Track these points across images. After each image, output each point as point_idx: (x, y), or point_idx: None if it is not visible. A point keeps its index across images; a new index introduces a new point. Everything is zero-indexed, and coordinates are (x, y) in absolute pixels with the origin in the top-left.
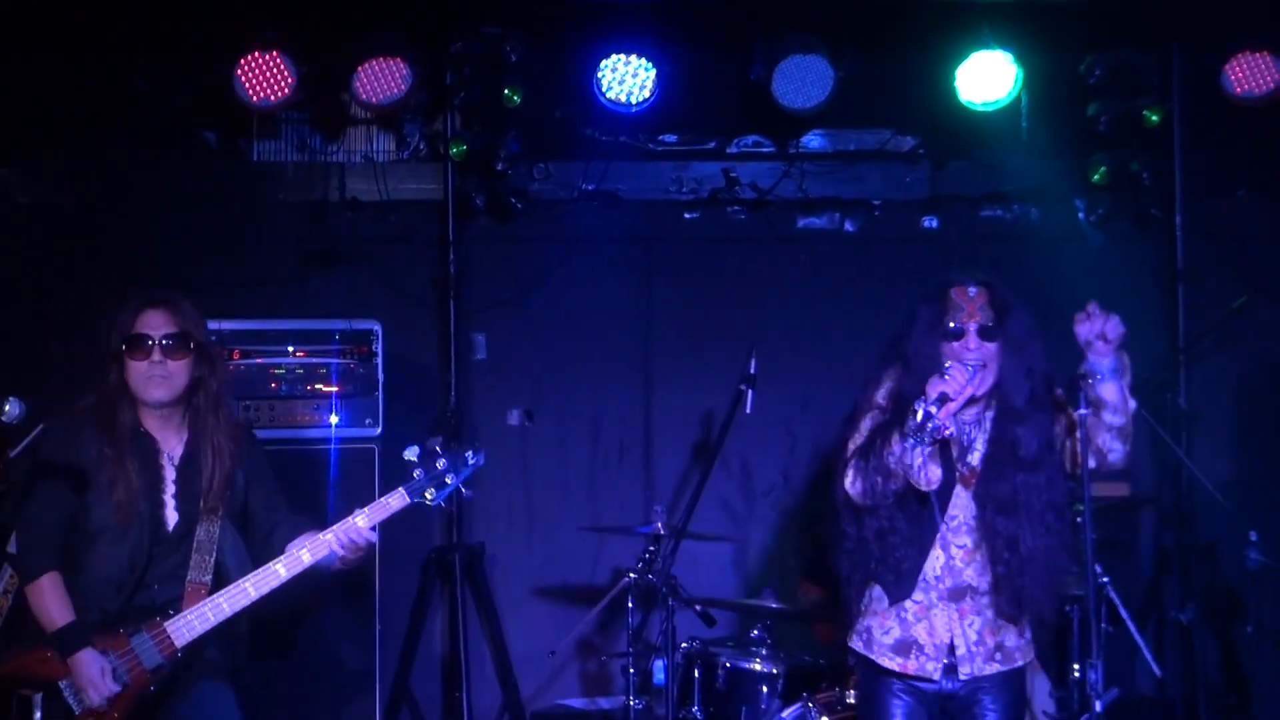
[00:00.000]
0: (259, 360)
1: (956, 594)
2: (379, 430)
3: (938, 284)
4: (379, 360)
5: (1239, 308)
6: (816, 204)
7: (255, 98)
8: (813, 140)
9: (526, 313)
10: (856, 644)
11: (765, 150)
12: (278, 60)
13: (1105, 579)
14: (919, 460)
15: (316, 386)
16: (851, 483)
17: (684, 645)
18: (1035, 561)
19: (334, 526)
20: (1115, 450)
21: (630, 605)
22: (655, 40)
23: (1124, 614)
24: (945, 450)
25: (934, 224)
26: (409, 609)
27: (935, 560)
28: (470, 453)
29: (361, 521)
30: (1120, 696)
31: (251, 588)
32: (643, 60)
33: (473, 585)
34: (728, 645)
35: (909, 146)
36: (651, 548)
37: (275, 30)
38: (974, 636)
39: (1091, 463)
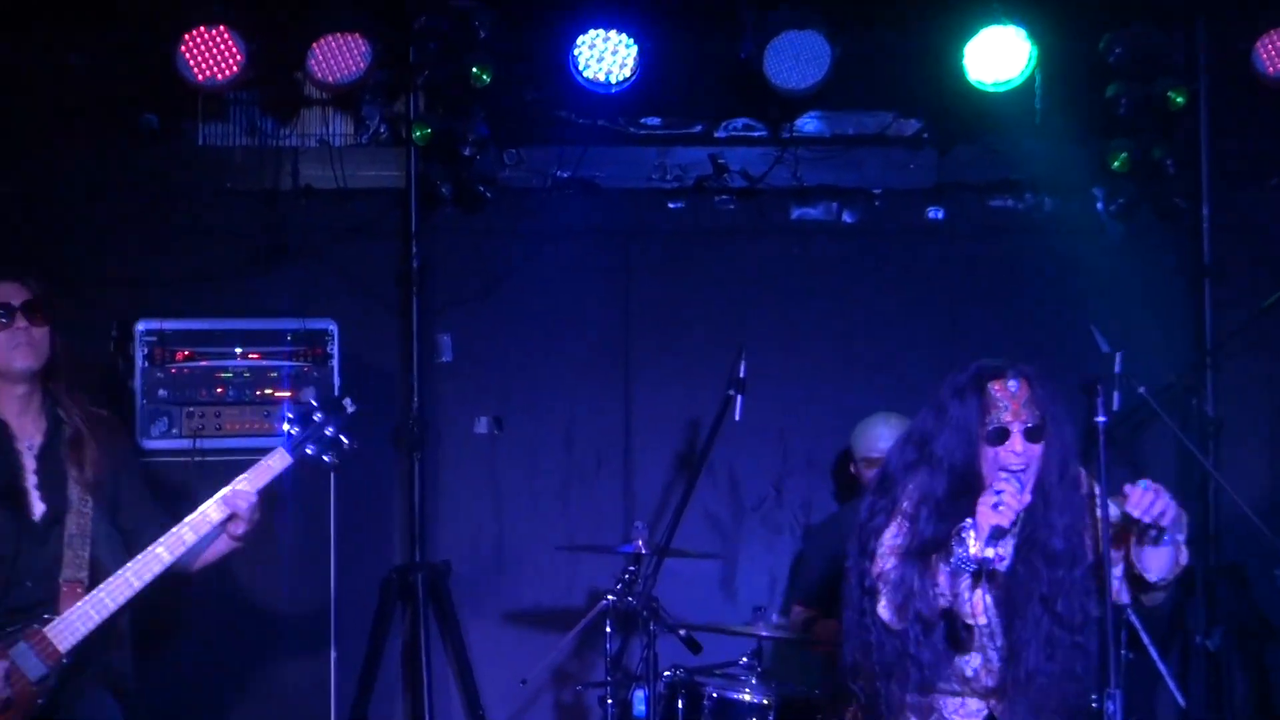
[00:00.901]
0: (204, 363)
1: (983, 694)
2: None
3: (970, 375)
4: (335, 363)
5: (1270, 305)
6: (812, 193)
7: (201, 76)
8: (808, 123)
9: (496, 311)
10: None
11: (756, 134)
12: (225, 36)
13: (1125, 601)
14: (967, 593)
15: (267, 391)
16: (888, 612)
17: (666, 674)
18: (1052, 665)
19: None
20: (1154, 599)
21: (608, 630)
22: (637, 14)
23: (1145, 639)
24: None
25: (939, 215)
26: (367, 632)
27: (972, 663)
28: (348, 400)
29: (243, 485)
30: None
31: (133, 577)
32: (623, 36)
33: (437, 607)
34: (714, 673)
35: (913, 130)
36: (631, 567)
37: (222, 3)
38: None
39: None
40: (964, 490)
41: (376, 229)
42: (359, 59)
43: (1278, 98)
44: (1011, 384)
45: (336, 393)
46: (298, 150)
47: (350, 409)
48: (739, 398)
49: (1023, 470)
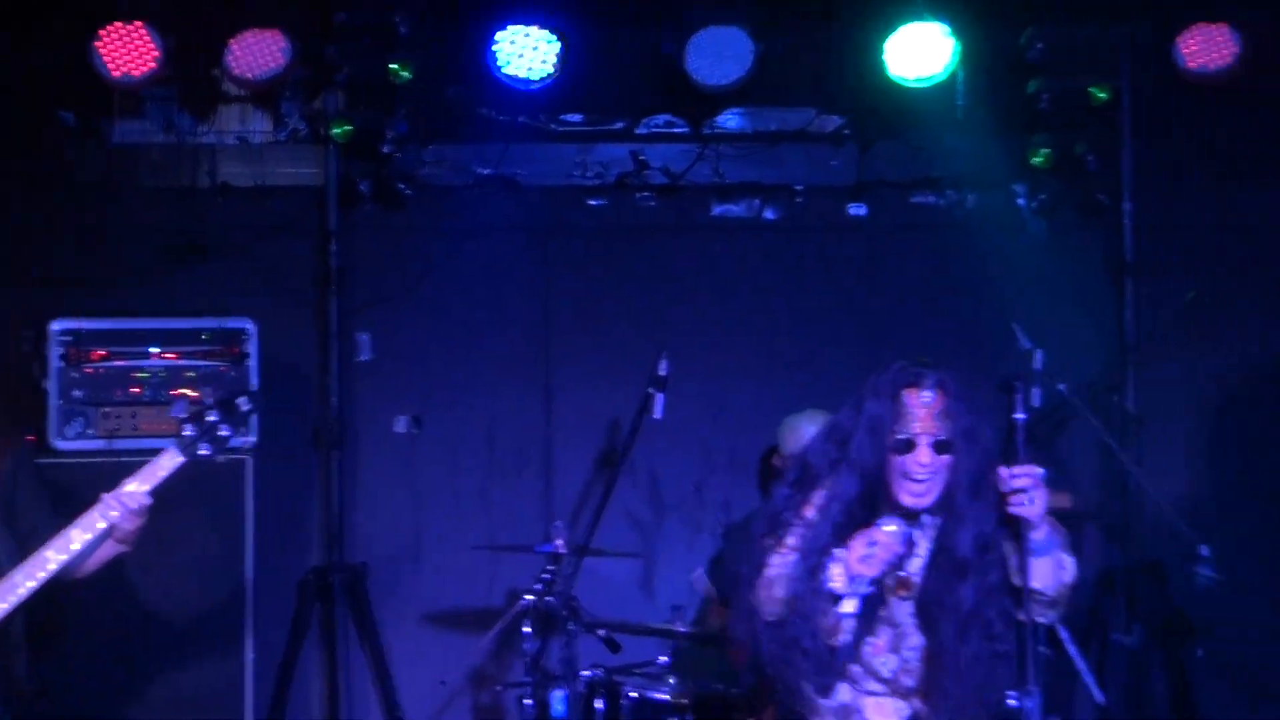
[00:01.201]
0: (120, 363)
1: (912, 692)
2: (253, 440)
3: (888, 380)
4: (252, 362)
5: (1191, 302)
6: (733, 189)
7: (117, 72)
8: (730, 120)
9: (416, 310)
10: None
11: (678, 131)
12: (142, 31)
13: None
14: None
15: (183, 391)
16: (762, 596)
17: (586, 673)
18: (973, 671)
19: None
20: (1046, 617)
21: (527, 630)
22: (558, 11)
23: (1064, 636)
24: None
25: (861, 211)
26: (284, 635)
27: (889, 664)
28: (242, 399)
29: (132, 486)
30: None
31: (21, 581)
32: (544, 32)
33: (354, 609)
34: (633, 673)
35: (834, 127)
36: (551, 567)
37: None
38: None
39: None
40: (871, 495)
41: (295, 227)
42: (278, 55)
43: (1199, 93)
44: (926, 394)
45: (252, 391)
46: (215, 148)
47: (244, 408)
48: (660, 396)
49: (928, 489)
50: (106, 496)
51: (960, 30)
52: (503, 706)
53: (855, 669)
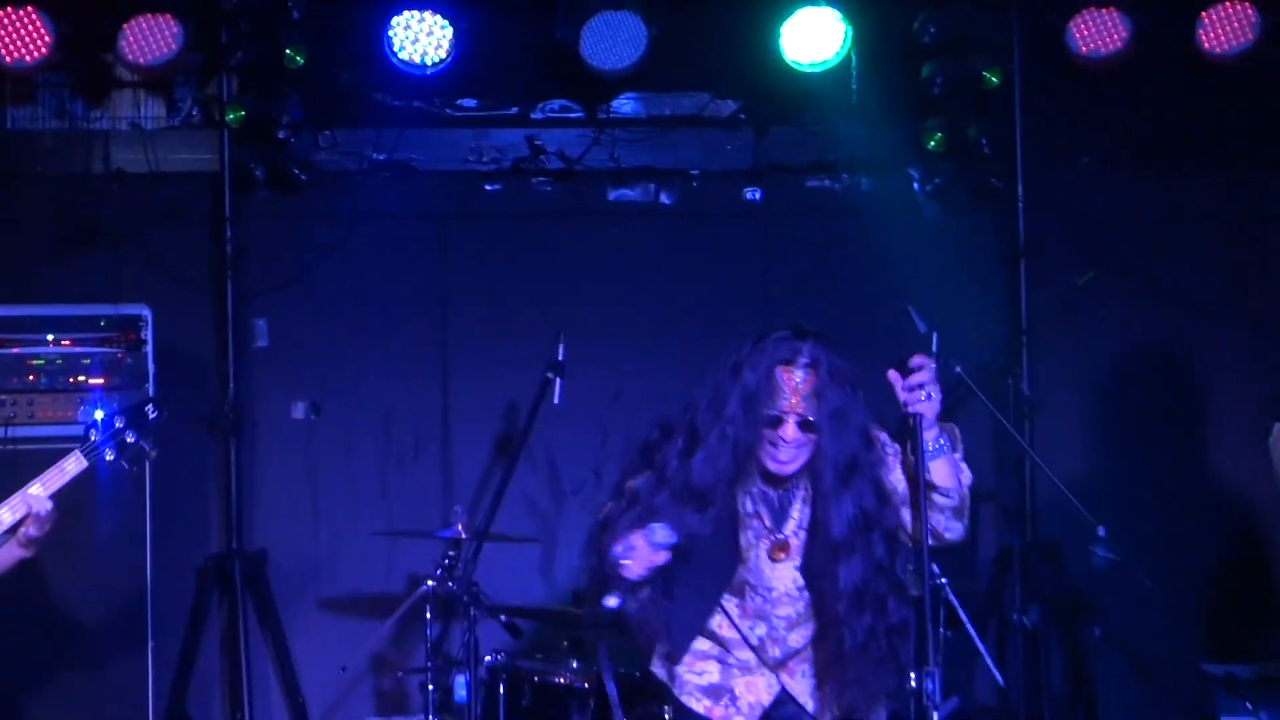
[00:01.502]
0: (14, 350)
1: (779, 664)
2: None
3: (766, 353)
4: (149, 349)
5: (1085, 285)
6: (629, 174)
7: (8, 58)
8: (625, 105)
9: (312, 296)
10: (659, 670)
11: (573, 116)
12: (33, 17)
13: (942, 580)
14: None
15: (79, 379)
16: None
17: (487, 659)
18: (856, 645)
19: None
20: (954, 529)
21: (428, 616)
22: None
23: (963, 617)
24: (759, 520)
25: (757, 196)
26: (185, 623)
27: (753, 630)
28: (150, 407)
29: (37, 490)
30: (960, 707)
31: None
32: (438, 17)
33: (254, 596)
34: (536, 658)
35: (729, 112)
36: (451, 552)
37: None
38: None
39: (929, 541)
40: (735, 459)
41: (190, 213)
42: (170, 40)
43: (1091, 77)
44: (799, 374)
45: (155, 399)
46: (109, 133)
47: (152, 415)
48: (558, 381)
49: (793, 458)
50: (9, 501)
51: (854, 15)
52: (405, 693)
53: (716, 639)
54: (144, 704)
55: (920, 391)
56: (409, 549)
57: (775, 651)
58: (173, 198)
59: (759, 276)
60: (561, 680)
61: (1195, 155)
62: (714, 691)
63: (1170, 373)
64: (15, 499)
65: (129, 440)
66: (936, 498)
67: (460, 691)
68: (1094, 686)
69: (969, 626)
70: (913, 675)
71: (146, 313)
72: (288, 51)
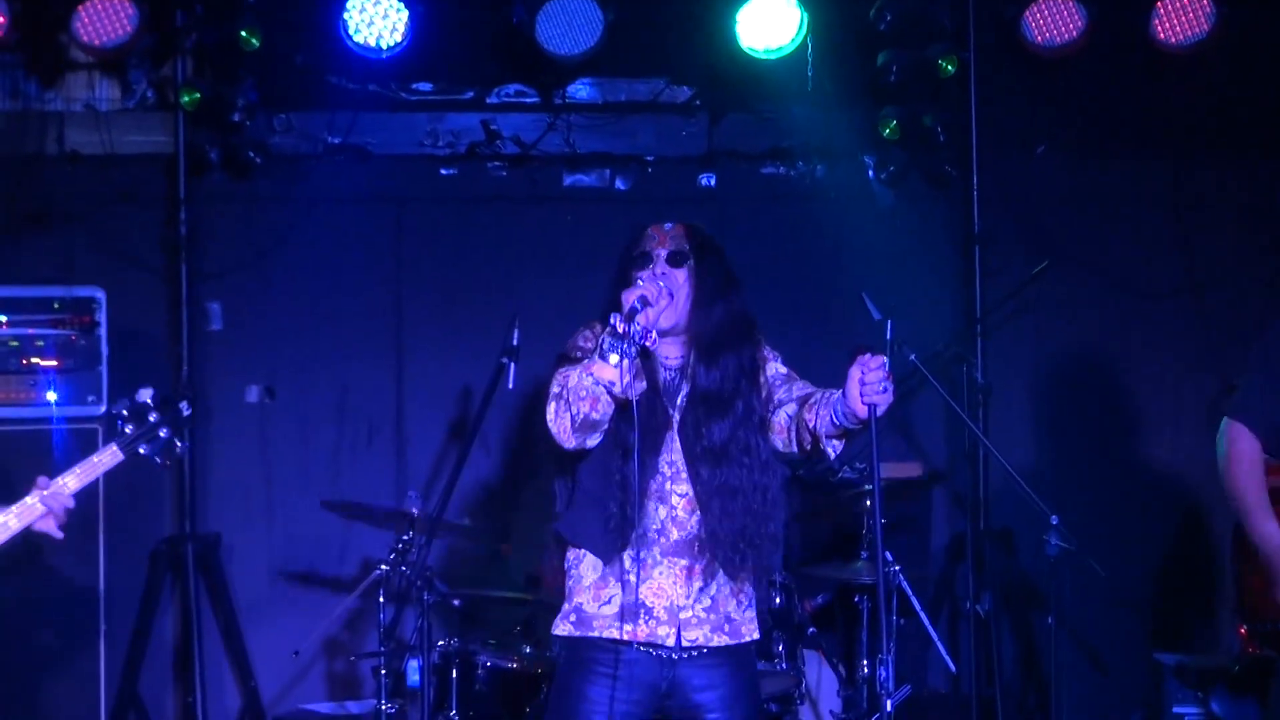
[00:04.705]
0: None
1: (681, 549)
2: (103, 409)
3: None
4: (102, 331)
5: (1039, 273)
6: (584, 160)
7: None
8: (580, 90)
9: (266, 279)
10: (563, 629)
11: (529, 101)
12: None
13: (895, 567)
14: (621, 371)
15: (32, 360)
16: (555, 418)
17: (440, 643)
18: (745, 508)
19: (39, 493)
20: (834, 446)
21: (381, 600)
22: None
23: (916, 604)
24: (655, 395)
25: (711, 182)
26: (137, 605)
27: (655, 513)
28: (184, 404)
29: (73, 483)
30: (912, 694)
31: None
32: (394, 0)
33: (207, 579)
34: (488, 643)
35: (685, 98)
36: (405, 536)
37: None
38: (706, 602)
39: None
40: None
41: (144, 195)
42: (125, 22)
43: (1045, 66)
44: (667, 225)
45: (190, 396)
46: (63, 115)
47: (186, 411)
48: (512, 365)
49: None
50: (45, 496)
51: (810, 2)
52: (357, 677)
53: (650, 528)
54: (96, 688)
55: (878, 385)
56: (363, 533)
57: (674, 535)
58: (127, 180)
59: None
60: (514, 665)
61: (1149, 144)
62: (629, 613)
63: (1122, 361)
64: (47, 496)
65: (162, 435)
66: (836, 443)
67: (413, 676)
68: (1046, 674)
69: (922, 614)
70: (865, 662)
71: (100, 295)
72: (243, 34)
